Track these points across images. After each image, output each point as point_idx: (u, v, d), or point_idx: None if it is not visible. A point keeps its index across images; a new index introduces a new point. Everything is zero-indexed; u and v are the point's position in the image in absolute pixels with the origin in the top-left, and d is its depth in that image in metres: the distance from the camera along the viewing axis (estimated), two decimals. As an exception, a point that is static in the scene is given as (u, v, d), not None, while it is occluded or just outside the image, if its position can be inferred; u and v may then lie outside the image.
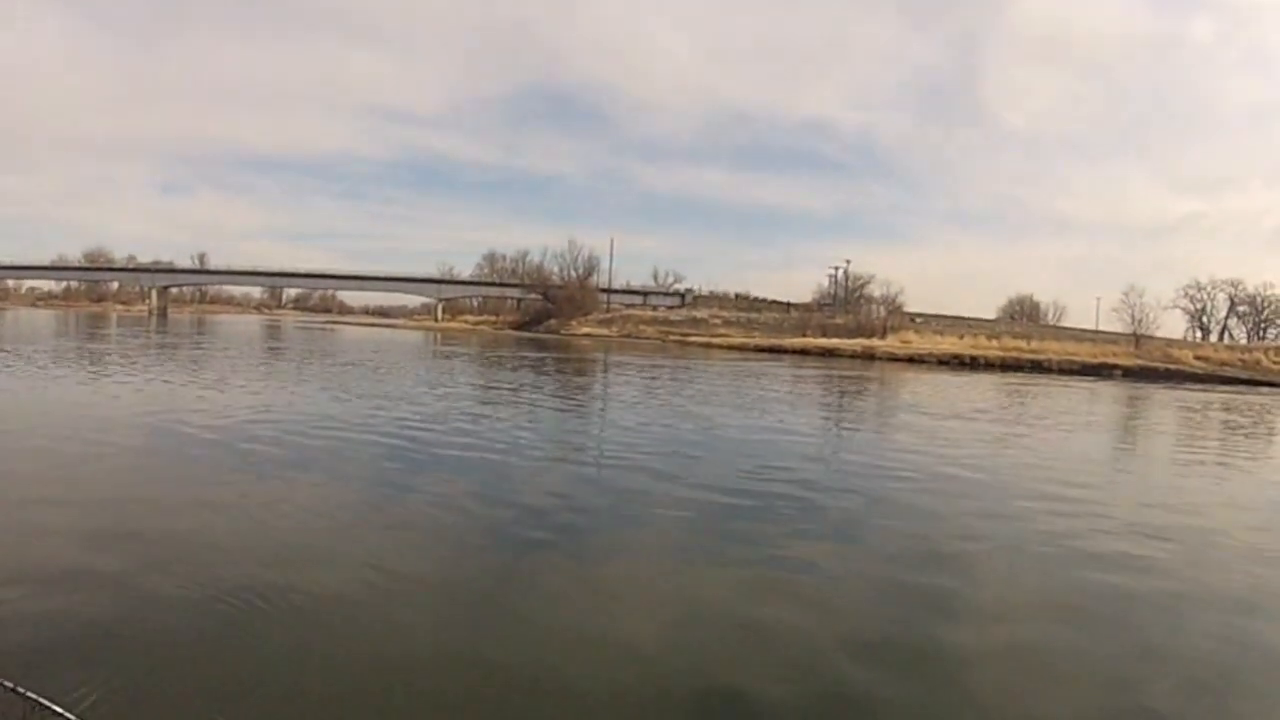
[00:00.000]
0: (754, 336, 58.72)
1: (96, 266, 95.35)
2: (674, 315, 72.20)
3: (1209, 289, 62.20)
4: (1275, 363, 47.90)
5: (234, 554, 5.99)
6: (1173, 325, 59.29)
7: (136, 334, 34.89)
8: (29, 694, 2.69)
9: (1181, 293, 62.25)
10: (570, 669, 4.44)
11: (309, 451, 10.39)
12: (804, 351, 51.71)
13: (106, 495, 7.73)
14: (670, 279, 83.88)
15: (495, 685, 4.23)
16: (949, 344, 50.24)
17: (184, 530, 6.56)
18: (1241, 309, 61.75)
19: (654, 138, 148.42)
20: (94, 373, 20.36)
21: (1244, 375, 44.04)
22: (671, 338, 62.21)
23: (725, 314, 69.87)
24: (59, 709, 2.71)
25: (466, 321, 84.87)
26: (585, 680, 4.32)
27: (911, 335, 53.61)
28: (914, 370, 41.50)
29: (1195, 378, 42.71)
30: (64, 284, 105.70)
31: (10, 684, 2.73)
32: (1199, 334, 60.50)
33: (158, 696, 3.80)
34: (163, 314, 74.42)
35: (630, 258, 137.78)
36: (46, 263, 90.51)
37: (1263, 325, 61.13)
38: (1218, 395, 32.65)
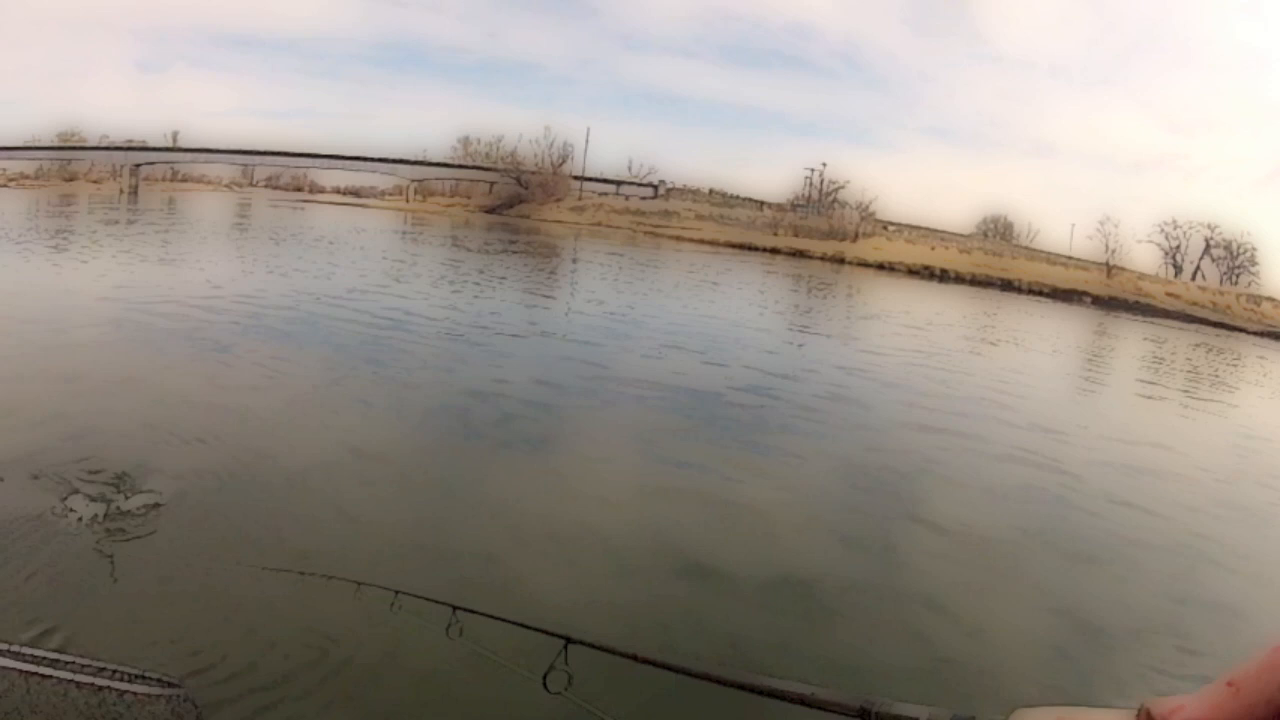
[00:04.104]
0: (726, 232, 56.48)
1: (68, 145, 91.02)
2: (647, 206, 69.26)
3: (1185, 229, 60.70)
4: (1246, 309, 47.33)
5: (203, 429, 5.90)
6: (1146, 260, 58.06)
7: (99, 213, 31.33)
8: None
9: (1157, 228, 60.54)
10: (540, 539, 4.46)
11: (278, 329, 10.32)
12: (775, 251, 49.92)
13: (70, 373, 7.41)
14: (645, 170, 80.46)
15: (462, 553, 4.26)
16: (921, 254, 48.73)
17: (149, 406, 6.44)
18: (1217, 252, 60.59)
19: (638, 29, 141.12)
20: (49, 255, 17.55)
21: (1214, 318, 43.42)
22: (643, 229, 59.80)
23: (698, 208, 67.00)
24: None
25: (438, 203, 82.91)
26: (558, 548, 4.36)
27: (883, 242, 51.83)
28: (883, 279, 40.18)
29: (1165, 313, 42.03)
30: (37, 164, 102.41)
31: None
32: (1173, 271, 59.49)
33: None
34: (134, 193, 70.74)
35: (606, 148, 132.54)
36: (19, 143, 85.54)
37: (1236, 271, 60.20)
38: (1187, 335, 31.91)
